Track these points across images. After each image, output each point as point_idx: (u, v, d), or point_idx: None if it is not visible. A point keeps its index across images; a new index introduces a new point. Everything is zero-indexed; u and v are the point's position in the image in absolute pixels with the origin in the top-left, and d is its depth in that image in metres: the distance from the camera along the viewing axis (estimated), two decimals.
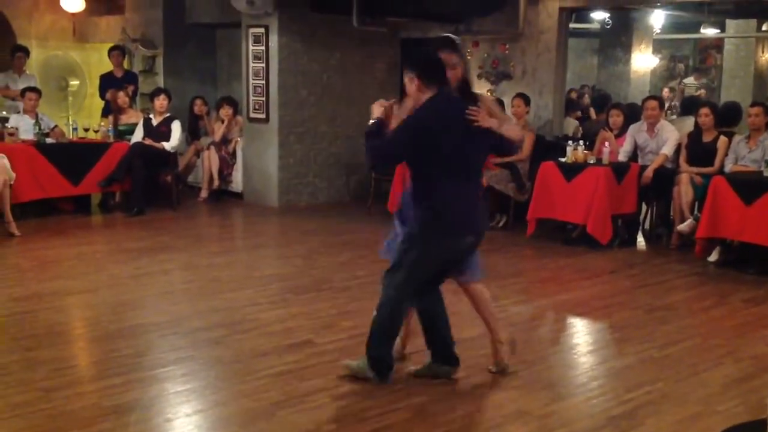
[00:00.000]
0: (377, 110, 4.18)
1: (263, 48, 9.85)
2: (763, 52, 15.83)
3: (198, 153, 10.62)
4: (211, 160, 10.23)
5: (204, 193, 10.26)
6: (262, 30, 9.83)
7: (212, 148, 10.30)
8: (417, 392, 4.20)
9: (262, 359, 4.65)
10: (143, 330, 5.20)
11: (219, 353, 4.78)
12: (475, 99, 4.35)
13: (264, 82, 9.89)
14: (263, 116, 9.94)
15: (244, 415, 3.93)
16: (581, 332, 5.58)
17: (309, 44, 9.98)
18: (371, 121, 4.16)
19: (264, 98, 9.90)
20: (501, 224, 8.76)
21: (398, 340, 4.49)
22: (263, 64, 9.88)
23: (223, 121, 10.37)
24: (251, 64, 10.04)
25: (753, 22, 15.44)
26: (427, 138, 3.97)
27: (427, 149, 3.98)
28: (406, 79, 4.12)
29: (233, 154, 10.43)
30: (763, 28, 15.64)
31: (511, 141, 4.30)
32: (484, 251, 7.58)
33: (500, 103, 8.38)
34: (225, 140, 10.40)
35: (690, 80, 16.65)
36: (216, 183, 10.27)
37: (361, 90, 10.57)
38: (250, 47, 10.01)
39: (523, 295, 6.23)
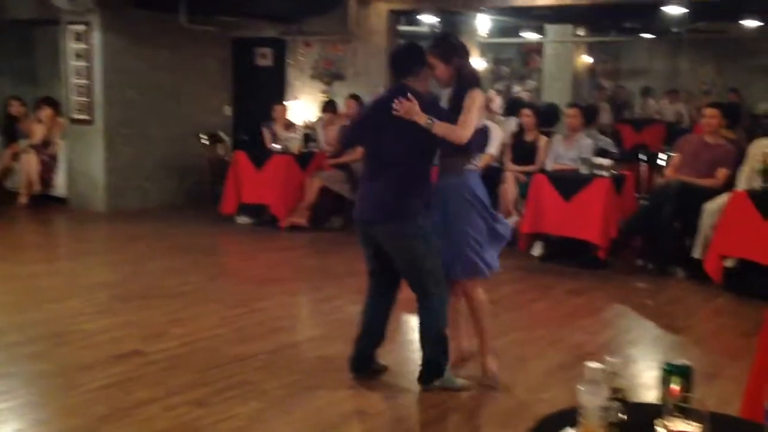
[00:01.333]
0: (417, 112, 3.97)
1: (85, 46, 9.41)
2: (580, 56, 16.76)
3: (15, 156, 10.01)
4: (30, 163, 9.69)
5: (23, 199, 9.69)
6: (84, 27, 9.40)
7: (31, 150, 9.75)
8: (251, 398, 4.13)
9: (86, 372, 4.43)
10: None
11: (40, 368, 4.52)
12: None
13: (87, 81, 9.46)
14: (87, 117, 9.50)
15: None
16: (410, 329, 5.65)
17: (134, 42, 9.63)
18: (428, 122, 3.95)
19: (88, 98, 9.46)
20: (337, 225, 8.80)
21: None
22: (86, 63, 9.45)
23: (43, 123, 9.83)
24: (72, 63, 9.58)
25: (570, 27, 16.31)
26: (355, 130, 4.55)
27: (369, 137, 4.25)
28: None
29: (55, 157, 9.92)
30: (579, 33, 16.55)
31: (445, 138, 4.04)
32: (319, 252, 7.76)
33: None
34: (46, 143, 9.87)
35: (517, 89, 17.40)
36: (36, 188, 9.72)
37: (191, 89, 10.32)
38: (71, 45, 9.55)
39: (359, 294, 6.21)
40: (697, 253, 6.62)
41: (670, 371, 2.10)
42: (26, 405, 4.05)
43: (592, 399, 2.01)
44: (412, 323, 5.49)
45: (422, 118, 3.96)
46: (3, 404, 4.02)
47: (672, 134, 13.93)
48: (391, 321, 4.49)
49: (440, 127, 3.99)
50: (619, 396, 2.04)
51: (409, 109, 3.95)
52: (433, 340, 4.22)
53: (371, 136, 4.19)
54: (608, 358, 2.14)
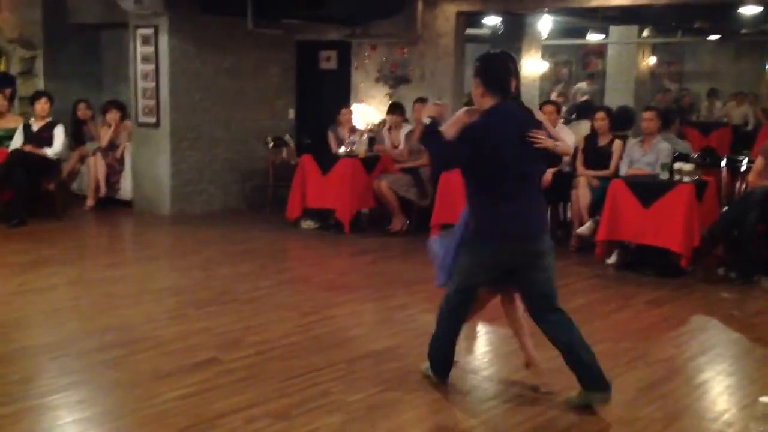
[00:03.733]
0: (432, 110, 4.09)
1: (153, 49, 9.43)
2: (643, 58, 16.40)
3: (82, 159, 10.09)
4: (97, 166, 9.73)
5: (90, 202, 9.74)
6: (151, 31, 9.41)
7: (98, 154, 9.80)
8: (333, 410, 4.01)
9: (164, 381, 4.35)
10: (30, 353, 4.81)
11: (117, 376, 4.46)
12: (530, 113, 4.20)
13: (154, 85, 9.47)
14: (153, 121, 9.51)
15: None
16: (494, 340, 5.51)
17: (201, 46, 9.62)
18: (427, 121, 4.04)
19: (154, 102, 9.48)
20: (404, 230, 8.67)
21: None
22: (153, 66, 9.47)
23: (109, 126, 9.89)
24: (140, 67, 9.61)
25: (634, 28, 15.97)
26: (483, 148, 3.86)
27: (483, 159, 3.88)
28: (472, 83, 4.10)
29: (121, 161, 9.96)
30: (644, 34, 16.21)
31: (561, 156, 4.25)
32: (387, 258, 7.63)
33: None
34: (112, 146, 9.92)
35: (582, 85, 17.07)
36: (103, 191, 9.76)
37: (256, 94, 10.28)
38: (139, 48, 9.58)
39: (431, 302, 6.06)
40: None
41: None
42: (105, 414, 3.99)
43: None
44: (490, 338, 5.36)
45: (551, 143, 4.01)
46: (82, 413, 3.97)
47: (738, 137, 13.57)
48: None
49: (561, 146, 4.09)
50: None
51: (545, 141, 3.97)
52: (579, 349, 4.07)
53: (514, 153, 3.92)
54: None
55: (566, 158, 8.01)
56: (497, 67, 4.04)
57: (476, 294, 4.27)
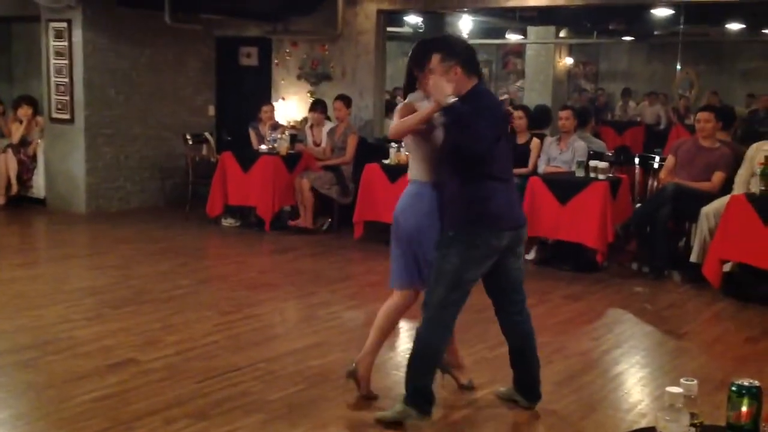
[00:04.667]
0: (447, 88, 3.53)
1: (66, 44, 9.17)
2: (560, 58, 16.74)
3: None
4: (8, 163, 9.44)
5: (1, 200, 9.44)
6: (65, 24, 9.16)
7: (9, 150, 9.51)
8: (253, 410, 3.98)
9: (80, 383, 4.24)
10: None
11: (30, 378, 4.32)
12: None
13: (68, 80, 9.22)
14: (68, 116, 9.26)
15: None
16: (413, 336, 5.53)
17: (117, 40, 9.41)
18: (450, 100, 3.50)
19: (68, 97, 9.23)
20: (325, 227, 8.65)
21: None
22: (66, 61, 9.21)
23: (21, 122, 9.58)
24: (52, 61, 9.34)
25: (552, 29, 16.29)
26: (494, 129, 3.58)
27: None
28: (436, 68, 3.63)
29: (33, 158, 9.67)
30: (561, 34, 16.55)
31: None
32: (309, 255, 7.60)
33: None
34: (24, 142, 9.63)
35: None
36: (14, 189, 9.46)
37: (174, 89, 10.12)
38: (51, 43, 9.31)
39: (354, 299, 6.14)
40: (694, 257, 6.56)
41: (739, 392, 1.99)
42: (18, 417, 3.86)
43: (673, 427, 1.88)
44: None
45: None
46: None
47: (651, 136, 14.01)
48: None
49: None
50: (695, 421, 1.92)
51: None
52: (530, 357, 4.07)
53: (504, 140, 3.75)
54: (684, 381, 2.01)
55: None
56: (467, 46, 3.80)
57: (468, 294, 3.82)
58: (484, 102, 3.66)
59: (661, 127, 14.91)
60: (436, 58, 3.67)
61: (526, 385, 4.05)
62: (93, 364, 4.51)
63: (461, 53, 3.69)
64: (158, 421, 3.80)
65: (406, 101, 3.93)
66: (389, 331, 4.29)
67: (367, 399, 4.13)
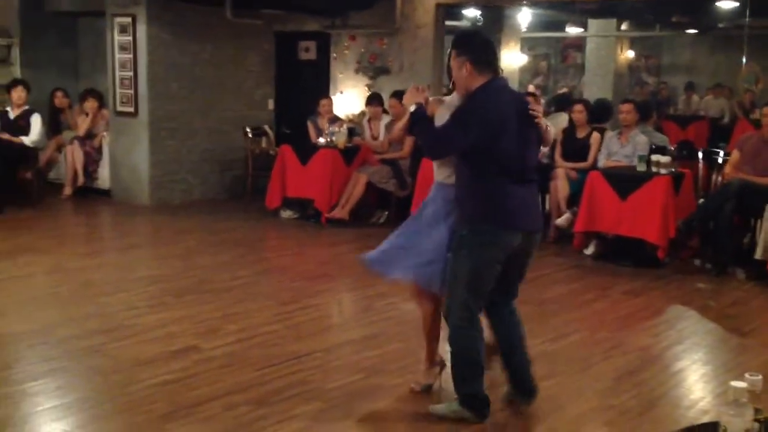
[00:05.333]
0: (414, 96, 3.77)
1: (130, 38, 9.37)
2: (622, 51, 16.50)
3: (60, 148, 10.02)
4: (74, 155, 9.66)
5: (68, 191, 9.67)
6: (129, 19, 9.35)
7: (76, 143, 9.73)
8: (312, 398, 4.03)
9: (144, 368, 4.36)
10: (9, 340, 4.79)
11: (96, 363, 4.45)
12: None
13: (132, 74, 9.41)
14: (131, 110, 9.46)
15: (129, 430, 3.66)
16: None
17: (179, 35, 9.57)
18: (413, 108, 3.73)
19: (132, 91, 9.42)
20: (382, 220, 8.69)
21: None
22: (130, 56, 9.41)
23: (87, 115, 9.82)
24: (117, 56, 9.54)
25: (613, 22, 16.06)
26: (486, 130, 3.56)
27: (484, 142, 3.57)
28: (453, 64, 3.72)
29: (99, 150, 9.90)
30: (622, 27, 16.30)
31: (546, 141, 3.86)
32: (366, 248, 7.60)
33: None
34: (90, 135, 9.85)
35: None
36: (81, 180, 9.70)
37: (234, 84, 10.25)
38: (116, 37, 9.51)
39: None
40: (759, 254, 6.42)
41: None
42: (85, 400, 3.98)
43: (737, 422, 1.85)
44: None
45: (543, 121, 3.74)
46: (61, 399, 3.96)
47: (716, 131, 13.71)
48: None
49: (549, 132, 3.79)
50: (759, 417, 1.89)
51: (541, 117, 3.72)
52: (520, 354, 4.00)
53: (511, 138, 3.60)
54: (748, 376, 1.98)
55: (544, 149, 8.09)
56: (482, 42, 3.77)
57: (487, 295, 3.76)
58: (480, 101, 3.63)
59: (725, 120, 14.58)
60: (453, 54, 3.75)
61: (521, 383, 3.96)
62: (157, 350, 4.63)
63: (473, 50, 3.70)
64: (219, 406, 3.88)
65: (437, 98, 4.01)
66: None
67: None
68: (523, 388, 3.96)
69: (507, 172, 3.63)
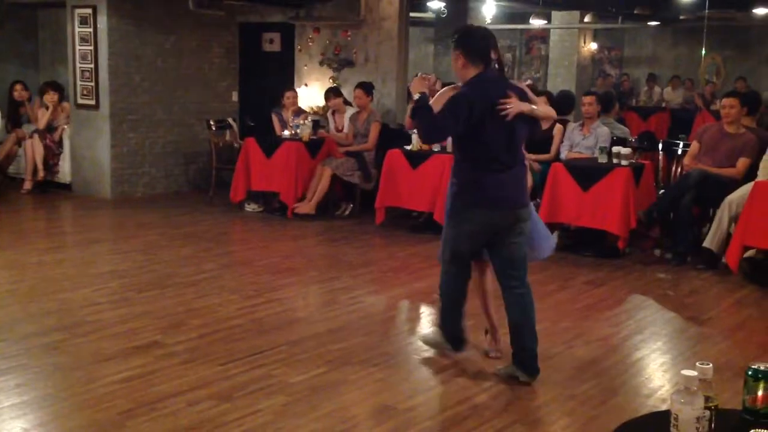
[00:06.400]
0: (420, 85, 4.12)
1: (91, 30, 9.25)
2: (585, 43, 16.62)
3: (19, 142, 9.87)
4: (34, 149, 9.54)
5: (28, 185, 9.55)
6: (89, 11, 9.24)
7: (36, 136, 9.61)
8: (275, 392, 4.03)
9: (105, 364, 4.32)
10: None
11: (57, 360, 4.40)
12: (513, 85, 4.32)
13: (93, 66, 9.30)
14: (93, 102, 9.35)
15: (90, 428, 3.62)
16: (436, 321, 5.57)
17: (141, 26, 9.47)
18: (416, 96, 4.05)
19: (93, 83, 9.31)
20: (347, 213, 8.69)
21: (489, 338, 4.66)
22: (91, 47, 9.30)
23: (47, 108, 9.68)
24: (78, 47, 9.42)
25: (576, 14, 16.17)
26: (469, 117, 3.92)
27: (469, 128, 3.96)
28: (451, 57, 4.15)
29: (59, 143, 9.78)
30: (586, 19, 16.42)
31: (542, 125, 4.27)
32: (331, 241, 7.64)
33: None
34: (50, 128, 9.73)
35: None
36: (41, 174, 9.57)
37: (198, 76, 10.18)
38: (76, 29, 9.39)
39: (375, 285, 6.18)
40: (708, 243, 6.53)
41: (756, 376, 1.99)
42: (45, 398, 3.93)
43: (687, 409, 1.89)
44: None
45: (526, 106, 4.04)
46: (21, 397, 3.91)
47: (677, 122, 13.88)
48: None
49: (541, 112, 4.16)
50: (710, 404, 1.92)
51: (515, 107, 3.97)
52: (527, 335, 4.26)
53: (497, 127, 3.97)
54: (699, 365, 2.01)
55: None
56: (477, 38, 4.10)
57: (469, 263, 4.32)
58: (467, 91, 4.02)
59: (689, 107, 14.74)
60: (451, 47, 4.17)
61: (526, 359, 4.20)
62: (118, 346, 4.59)
63: (465, 43, 4.08)
64: (182, 402, 3.86)
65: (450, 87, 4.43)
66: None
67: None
68: (527, 365, 4.21)
69: (490, 158, 4.03)
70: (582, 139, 7.68)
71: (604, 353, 4.72)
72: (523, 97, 4.10)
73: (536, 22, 16.28)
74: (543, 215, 7.15)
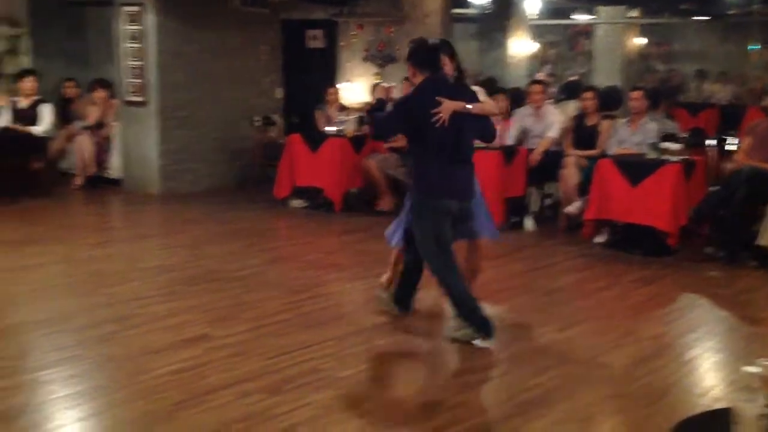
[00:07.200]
0: (381, 92, 5.05)
1: (139, 28, 9.36)
2: (631, 38, 16.43)
3: (70, 138, 10.04)
4: (84, 145, 9.68)
5: (78, 181, 9.70)
6: (138, 8, 9.34)
7: (85, 132, 9.75)
8: (324, 386, 4.04)
9: (156, 356, 4.37)
10: (23, 329, 4.83)
11: (109, 351, 4.47)
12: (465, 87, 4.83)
13: (141, 63, 9.41)
14: (141, 99, 9.47)
15: (142, 418, 3.67)
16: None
17: (187, 24, 9.56)
18: (373, 101, 4.76)
19: (141, 80, 9.43)
20: (392, 208, 8.67)
21: (385, 279, 5.22)
22: (140, 45, 9.41)
23: (97, 105, 9.83)
24: (126, 45, 9.54)
25: (622, 8, 15.99)
26: (412, 118, 4.45)
27: (415, 128, 4.48)
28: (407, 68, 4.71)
29: (109, 139, 9.91)
30: (632, 14, 16.24)
31: (490, 126, 4.72)
32: (376, 237, 7.62)
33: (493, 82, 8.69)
34: (99, 125, 9.87)
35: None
36: (91, 170, 9.72)
37: (243, 73, 10.25)
38: (125, 27, 9.51)
39: (420, 281, 6.14)
40: (761, 240, 6.40)
41: None
42: (98, 389, 4.00)
43: (750, 407, 1.85)
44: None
45: (459, 105, 4.44)
46: (75, 387, 3.99)
47: (726, 118, 13.63)
48: None
49: (477, 108, 4.55)
50: None
51: (446, 109, 4.37)
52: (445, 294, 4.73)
53: (445, 127, 4.40)
54: (762, 361, 1.97)
55: (550, 136, 8.06)
56: (423, 50, 4.65)
57: (452, 245, 4.61)
58: (409, 95, 4.66)
59: (737, 103, 14.47)
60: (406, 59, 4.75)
61: (405, 298, 5.01)
62: (168, 339, 4.64)
63: (413, 56, 4.62)
64: (232, 394, 3.89)
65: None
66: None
67: None
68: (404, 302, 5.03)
69: (440, 153, 4.45)
70: (630, 135, 7.57)
71: (656, 351, 4.65)
72: (472, 98, 4.54)
73: (581, 17, 16.12)
74: (591, 212, 7.11)
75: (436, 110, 4.36)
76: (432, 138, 4.42)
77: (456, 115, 4.40)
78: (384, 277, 5.26)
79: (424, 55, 4.58)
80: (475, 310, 4.54)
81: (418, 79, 4.53)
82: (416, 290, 5.06)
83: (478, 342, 4.54)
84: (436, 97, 4.39)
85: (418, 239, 4.60)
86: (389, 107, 4.73)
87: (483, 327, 4.53)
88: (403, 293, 5.06)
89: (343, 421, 3.67)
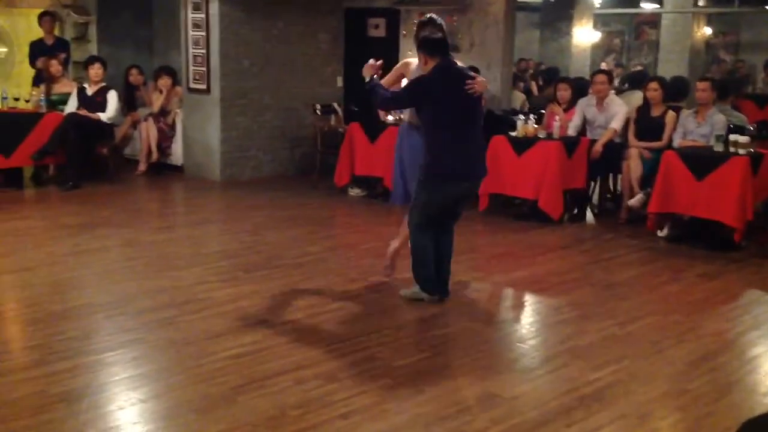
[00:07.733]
0: (369, 69, 5.28)
1: (203, 16, 9.48)
2: (698, 28, 16.03)
3: (135, 124, 10.23)
4: (149, 131, 9.86)
5: (142, 166, 9.89)
6: None
7: (150, 119, 9.93)
8: (381, 374, 4.06)
9: (217, 341, 4.45)
10: (87, 311, 4.94)
11: (170, 335, 4.56)
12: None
13: (204, 51, 9.54)
14: (204, 87, 9.60)
15: (202, 401, 3.73)
16: (541, 310, 5.50)
17: (250, 12, 9.65)
18: (368, 80, 5.21)
19: (205, 68, 9.56)
20: None
21: (389, 260, 5.59)
22: (203, 33, 9.53)
23: (161, 92, 9.99)
24: (190, 33, 9.68)
25: None
26: (427, 97, 4.90)
27: (429, 107, 4.91)
28: (418, 56, 5.16)
29: (172, 126, 10.08)
30: (699, 3, 15.84)
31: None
32: None
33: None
34: (164, 111, 10.03)
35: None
36: (155, 156, 9.90)
37: (304, 61, 10.30)
38: (190, 15, 9.64)
39: (479, 272, 6.13)
40: None
41: None
42: (160, 371, 4.08)
43: None
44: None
45: (486, 83, 5.12)
46: (137, 369, 4.07)
47: None
48: None
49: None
50: None
51: (480, 82, 4.94)
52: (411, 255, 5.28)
53: (449, 103, 4.87)
54: None
55: (613, 127, 7.91)
56: (430, 41, 5.05)
57: (436, 222, 5.12)
58: (429, 76, 4.94)
59: None
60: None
61: (442, 285, 5.25)
62: (228, 323, 4.71)
63: (422, 46, 5.08)
64: (290, 380, 3.94)
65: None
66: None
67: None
68: (443, 289, 5.25)
69: (449, 129, 4.88)
70: (696, 127, 7.41)
71: (719, 348, 4.56)
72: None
73: (647, 6, 15.79)
74: (655, 204, 6.99)
75: (470, 82, 4.85)
76: (447, 115, 4.88)
77: (472, 95, 4.89)
78: (392, 247, 5.60)
79: (433, 44, 5.03)
80: (428, 275, 5.16)
81: (430, 65, 4.96)
82: (441, 271, 5.24)
83: (425, 297, 5.16)
84: (469, 72, 4.98)
85: (416, 204, 5.06)
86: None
87: (426, 287, 5.17)
88: (424, 273, 5.25)
89: (398, 411, 3.68)
